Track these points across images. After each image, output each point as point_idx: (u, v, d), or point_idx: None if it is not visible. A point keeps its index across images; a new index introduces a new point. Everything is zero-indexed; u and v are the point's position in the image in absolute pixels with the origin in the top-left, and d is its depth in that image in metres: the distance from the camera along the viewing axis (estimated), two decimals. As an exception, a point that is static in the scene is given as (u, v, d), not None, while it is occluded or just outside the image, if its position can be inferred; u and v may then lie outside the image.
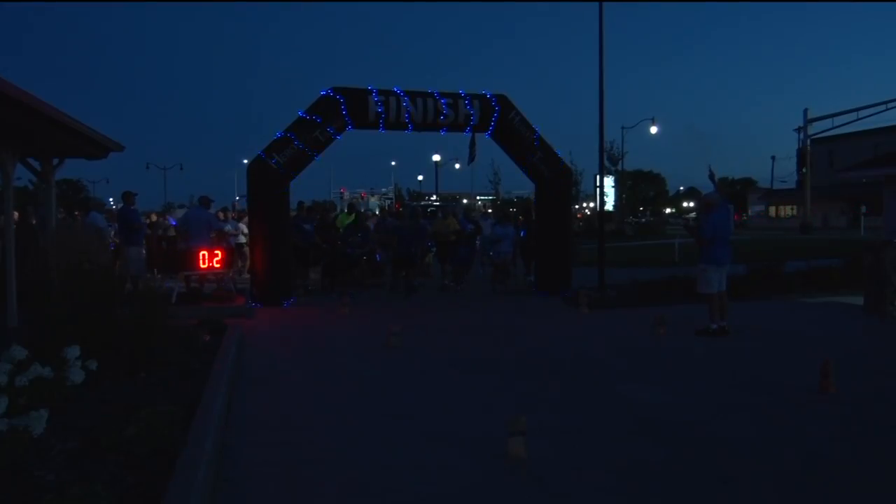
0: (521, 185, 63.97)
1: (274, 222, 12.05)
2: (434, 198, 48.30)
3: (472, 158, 14.85)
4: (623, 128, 44.10)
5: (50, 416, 4.38)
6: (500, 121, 13.26)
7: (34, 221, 11.53)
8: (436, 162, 49.60)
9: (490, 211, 31.60)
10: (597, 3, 13.44)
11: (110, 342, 5.98)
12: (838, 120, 43.88)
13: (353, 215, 16.20)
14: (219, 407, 5.15)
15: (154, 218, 18.54)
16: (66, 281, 6.30)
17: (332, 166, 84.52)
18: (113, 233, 13.97)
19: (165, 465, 3.82)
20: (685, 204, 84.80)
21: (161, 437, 4.16)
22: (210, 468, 4.04)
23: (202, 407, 4.99)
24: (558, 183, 13.84)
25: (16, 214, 10.29)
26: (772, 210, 63.24)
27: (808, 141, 46.99)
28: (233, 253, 12.88)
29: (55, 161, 9.19)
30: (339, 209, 47.27)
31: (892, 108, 38.53)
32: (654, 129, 42.07)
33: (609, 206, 42.02)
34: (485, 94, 13.26)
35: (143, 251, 12.41)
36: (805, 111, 46.85)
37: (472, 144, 14.56)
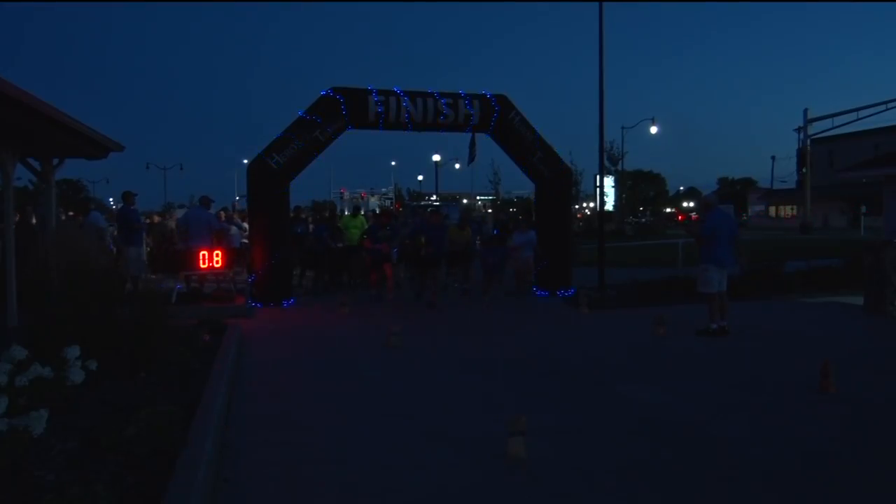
0: (521, 185, 64.00)
1: (274, 222, 12.06)
2: (434, 198, 48.28)
3: (472, 159, 14.85)
4: (623, 128, 44.14)
5: (50, 416, 4.37)
6: (500, 121, 13.26)
7: (34, 221, 11.54)
8: (436, 162, 49.61)
9: (489, 212, 30.86)
10: (597, 3, 13.44)
11: (110, 342, 5.98)
12: (838, 120, 43.87)
13: (359, 216, 16.04)
14: (219, 407, 5.15)
15: (156, 219, 18.54)
16: (67, 281, 6.30)
17: (332, 166, 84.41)
18: (114, 232, 13.98)
19: (165, 465, 3.82)
20: (685, 204, 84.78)
21: (161, 437, 4.16)
22: (210, 468, 4.04)
23: (202, 407, 5.00)
24: (558, 183, 13.84)
25: (16, 214, 10.30)
26: (772, 210, 63.25)
27: (808, 141, 46.98)
28: (235, 253, 12.86)
29: (55, 161, 9.18)
30: (338, 209, 47.27)
31: (892, 108, 38.51)
32: (654, 129, 42.09)
33: (609, 206, 42.01)
34: (485, 94, 13.26)
35: (143, 251, 12.44)
36: (805, 111, 46.83)
37: (472, 144, 14.55)
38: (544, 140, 13.72)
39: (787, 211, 59.98)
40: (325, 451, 4.73)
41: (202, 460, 3.93)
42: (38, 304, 6.29)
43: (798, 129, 47.48)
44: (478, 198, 71.96)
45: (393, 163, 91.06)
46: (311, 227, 15.14)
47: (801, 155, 47.50)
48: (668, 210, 69.15)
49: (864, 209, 41.37)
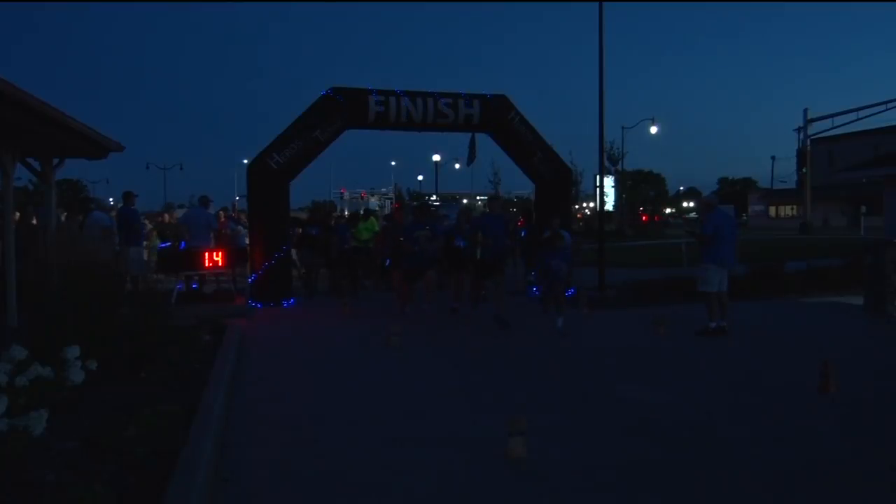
0: (521, 185, 64.04)
1: (274, 222, 12.06)
2: (434, 198, 48.28)
3: (472, 159, 14.85)
4: (623, 128, 44.13)
5: (50, 416, 4.38)
6: (500, 121, 13.26)
7: (35, 221, 11.54)
8: (436, 162, 49.63)
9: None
10: (597, 3, 13.44)
11: (110, 342, 5.99)
12: (838, 120, 43.87)
13: (371, 219, 15.55)
14: (219, 407, 5.16)
15: (167, 219, 18.50)
16: (67, 281, 6.30)
17: (332, 166, 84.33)
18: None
19: (165, 465, 3.82)
20: (685, 204, 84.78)
21: (161, 437, 4.16)
22: (210, 468, 4.05)
23: (202, 407, 5.00)
24: (558, 183, 13.85)
25: (16, 214, 10.29)
26: (772, 210, 63.27)
27: (808, 141, 46.97)
28: (241, 253, 12.86)
29: (55, 161, 9.18)
30: (338, 209, 47.20)
31: (892, 108, 38.52)
32: (654, 129, 42.12)
33: (609, 206, 41.99)
34: (485, 95, 13.26)
35: (143, 251, 12.44)
36: (805, 111, 46.82)
37: (473, 145, 14.56)
38: (544, 140, 13.72)
39: (787, 211, 59.98)
40: (325, 451, 4.73)
41: (202, 460, 3.93)
42: (38, 304, 6.30)
43: (798, 129, 47.48)
44: (478, 198, 71.98)
45: (393, 163, 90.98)
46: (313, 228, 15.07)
47: (801, 155, 47.49)
48: (668, 210, 69.10)
49: (864, 209, 41.37)
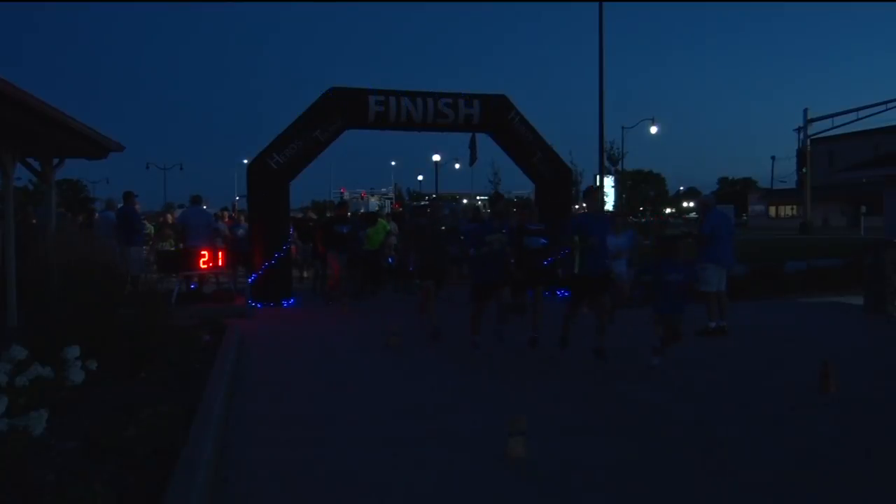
0: (521, 186, 63.98)
1: (274, 222, 12.06)
2: (434, 197, 48.27)
3: (473, 159, 14.85)
4: (623, 128, 44.08)
5: (50, 416, 4.38)
6: (500, 121, 13.26)
7: (34, 221, 11.54)
8: (436, 162, 49.63)
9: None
10: (597, 3, 13.45)
11: (110, 342, 5.99)
12: (838, 120, 43.92)
13: (380, 222, 14.63)
14: (219, 407, 5.16)
15: (171, 219, 18.49)
16: (67, 281, 6.30)
17: (332, 166, 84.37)
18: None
19: (165, 465, 3.82)
20: (685, 204, 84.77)
21: (161, 437, 4.16)
22: (210, 468, 4.05)
23: (202, 407, 5.00)
24: (558, 183, 13.84)
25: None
26: (772, 210, 63.29)
27: (808, 141, 46.99)
28: (241, 256, 12.85)
29: (55, 161, 9.18)
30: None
31: (892, 108, 38.55)
32: (654, 129, 42.10)
33: (609, 206, 41.98)
34: (484, 95, 13.26)
35: (143, 251, 12.44)
36: (805, 111, 46.86)
37: (473, 145, 14.56)
38: (544, 140, 13.72)
39: (787, 211, 60.00)
40: (324, 450, 4.73)
41: (202, 460, 3.93)
42: (38, 303, 6.30)
43: (798, 129, 47.51)
44: (478, 198, 71.98)
45: (393, 163, 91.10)
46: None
47: (801, 155, 47.52)
48: (668, 210, 69.09)
49: (864, 209, 41.38)
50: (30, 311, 6.64)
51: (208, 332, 8.17)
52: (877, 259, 10.71)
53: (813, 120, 46.23)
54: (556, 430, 5.16)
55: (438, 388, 6.50)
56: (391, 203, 64.64)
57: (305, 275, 16.05)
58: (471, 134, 14.07)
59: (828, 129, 45.68)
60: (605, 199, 28.73)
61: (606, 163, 36.37)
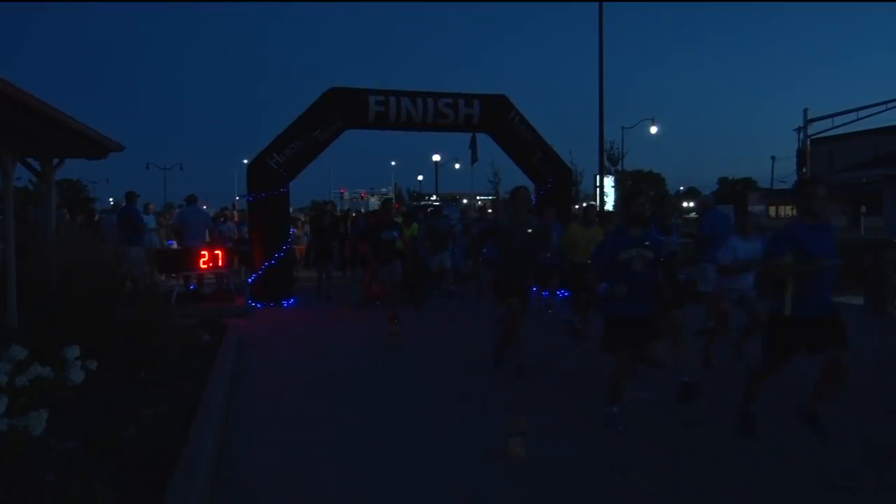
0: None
1: (274, 222, 12.06)
2: (434, 198, 48.28)
3: (474, 159, 14.86)
4: (623, 128, 44.11)
5: (50, 416, 4.38)
6: (500, 121, 13.27)
7: (33, 221, 11.54)
8: (436, 162, 49.65)
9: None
10: (597, 3, 13.45)
11: (110, 342, 5.99)
12: (838, 120, 43.74)
13: (414, 226, 13.26)
14: (219, 407, 5.16)
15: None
16: (67, 281, 6.30)
17: (332, 166, 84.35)
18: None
19: (165, 465, 3.82)
20: (685, 204, 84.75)
21: (161, 437, 4.17)
22: (210, 468, 4.05)
23: (202, 407, 5.00)
24: (558, 183, 13.84)
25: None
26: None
27: (808, 141, 46.92)
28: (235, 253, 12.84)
29: (55, 161, 9.18)
30: (338, 209, 47.01)
31: (892, 108, 38.40)
32: (654, 129, 42.12)
33: (609, 206, 42.00)
34: (484, 95, 13.27)
35: (144, 251, 12.44)
36: (805, 111, 46.59)
37: (474, 145, 14.56)
38: (544, 140, 13.73)
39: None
40: (324, 450, 4.74)
41: (202, 460, 3.93)
42: (38, 303, 6.30)
43: (798, 129, 47.36)
44: (478, 198, 71.99)
45: (393, 163, 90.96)
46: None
47: (801, 155, 47.42)
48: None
49: (864, 209, 41.39)
50: (30, 311, 6.63)
51: (208, 332, 8.17)
52: (877, 259, 10.71)
53: (813, 120, 46.11)
54: (557, 429, 5.16)
55: (439, 388, 6.49)
56: (391, 203, 64.56)
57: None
58: (471, 134, 14.06)
59: (828, 129, 45.50)
60: (606, 199, 28.75)
61: (606, 163, 36.40)
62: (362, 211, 29.10)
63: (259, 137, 38.26)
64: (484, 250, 10.11)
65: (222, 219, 16.00)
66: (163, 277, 11.75)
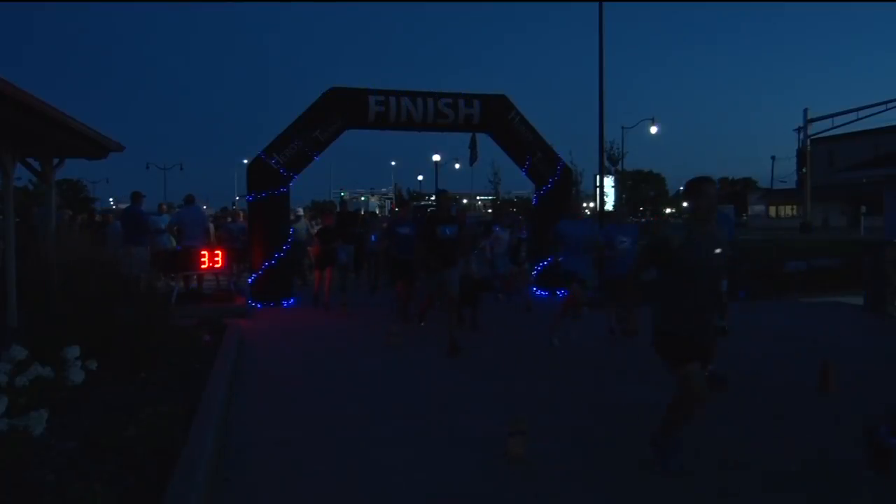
0: (521, 185, 64.03)
1: (274, 222, 12.06)
2: (434, 198, 48.30)
3: (473, 159, 14.86)
4: (623, 128, 44.16)
5: (50, 416, 4.38)
6: (500, 121, 13.27)
7: (34, 221, 11.54)
8: (436, 162, 49.63)
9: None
10: (597, 3, 13.45)
11: (111, 342, 5.99)
12: (838, 120, 43.83)
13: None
14: (219, 407, 5.16)
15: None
16: (67, 281, 6.30)
17: (332, 166, 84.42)
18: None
19: (165, 465, 3.82)
20: (685, 204, 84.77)
21: (161, 437, 4.17)
22: (210, 468, 4.05)
23: (202, 407, 5.00)
24: (558, 183, 13.84)
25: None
26: (772, 210, 63.27)
27: (808, 141, 46.96)
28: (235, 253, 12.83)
29: (55, 161, 9.17)
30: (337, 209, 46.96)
31: (892, 108, 38.50)
32: (654, 129, 42.14)
33: (609, 206, 42.01)
34: (484, 95, 13.26)
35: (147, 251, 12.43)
36: (805, 111, 46.79)
37: (473, 145, 14.57)
38: (544, 140, 13.72)
39: (787, 211, 59.99)
40: (324, 451, 4.74)
41: (202, 460, 3.93)
42: (38, 303, 6.30)
43: (798, 129, 47.45)
44: (478, 198, 71.98)
45: (393, 163, 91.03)
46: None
47: (801, 155, 47.47)
48: (668, 211, 69.14)
49: (864, 209, 41.39)
50: (30, 311, 6.63)
51: (208, 332, 8.17)
52: (877, 259, 10.72)
53: (813, 120, 46.17)
54: (557, 429, 5.16)
55: (438, 388, 6.50)
56: (391, 203, 64.66)
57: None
58: (471, 134, 14.06)
59: (828, 129, 45.60)
60: (606, 199, 28.74)
61: (606, 163, 36.42)
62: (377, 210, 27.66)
63: (259, 137, 38.28)
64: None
65: (230, 218, 16.02)
66: (161, 278, 11.73)
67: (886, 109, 38.97)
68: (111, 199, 71.29)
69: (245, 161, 36.44)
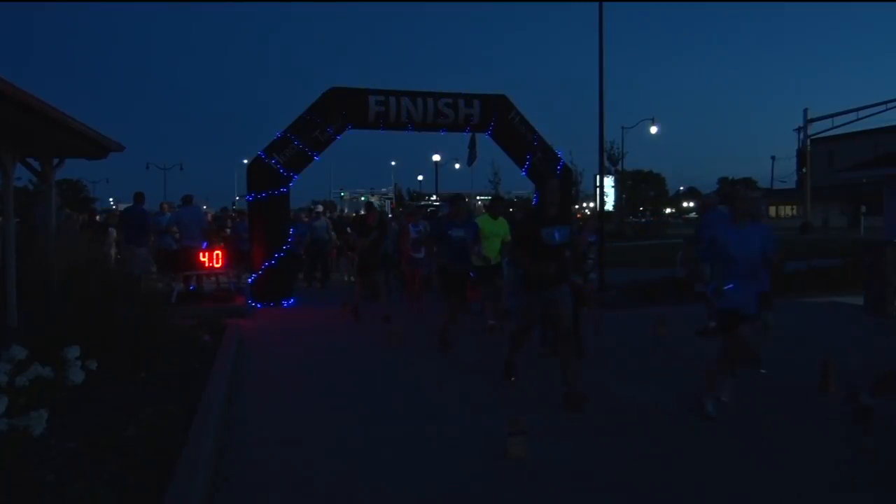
0: (521, 185, 64.06)
1: (274, 222, 12.07)
2: (434, 198, 48.28)
3: (472, 159, 14.85)
4: (623, 128, 44.18)
5: (50, 416, 4.38)
6: (500, 121, 13.27)
7: (33, 222, 11.54)
8: (436, 162, 49.70)
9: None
10: (597, 3, 13.44)
11: (110, 342, 5.99)
12: (838, 120, 43.87)
13: (500, 218, 9.42)
14: (219, 407, 5.16)
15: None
16: (67, 281, 6.30)
17: (332, 166, 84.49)
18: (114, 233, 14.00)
19: (165, 465, 3.82)
20: (685, 204, 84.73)
21: (161, 437, 4.17)
22: (210, 468, 4.05)
23: (202, 407, 5.01)
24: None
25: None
26: (772, 210, 63.26)
27: (808, 141, 46.97)
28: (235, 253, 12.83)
29: (55, 161, 9.17)
30: (337, 209, 47.04)
31: (892, 108, 38.53)
32: (654, 129, 42.15)
33: (609, 206, 42.01)
34: (484, 95, 13.28)
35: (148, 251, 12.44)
36: (805, 111, 46.80)
37: (473, 145, 14.56)
38: (544, 140, 13.73)
39: (787, 211, 60.02)
40: (324, 450, 4.74)
41: (202, 460, 3.93)
42: (38, 304, 6.30)
43: (798, 129, 47.47)
44: (478, 198, 72.00)
45: (393, 163, 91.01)
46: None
47: (800, 155, 47.48)
48: (668, 210, 69.13)
49: (864, 209, 41.40)
50: (30, 311, 6.63)
51: (208, 332, 8.17)
52: (877, 259, 10.71)
53: (813, 120, 46.19)
54: (557, 429, 5.16)
55: (438, 388, 6.50)
56: (391, 203, 64.68)
57: (347, 278, 15.28)
58: (470, 134, 14.06)
59: (828, 129, 45.63)
60: (606, 199, 28.73)
61: (606, 163, 36.43)
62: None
63: (259, 137, 38.29)
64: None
65: (238, 218, 16.08)
66: (163, 278, 11.73)
67: (886, 109, 39.00)
68: (111, 199, 71.35)
69: (245, 161, 36.45)
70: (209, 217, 18.90)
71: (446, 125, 13.12)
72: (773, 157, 76.95)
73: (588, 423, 5.35)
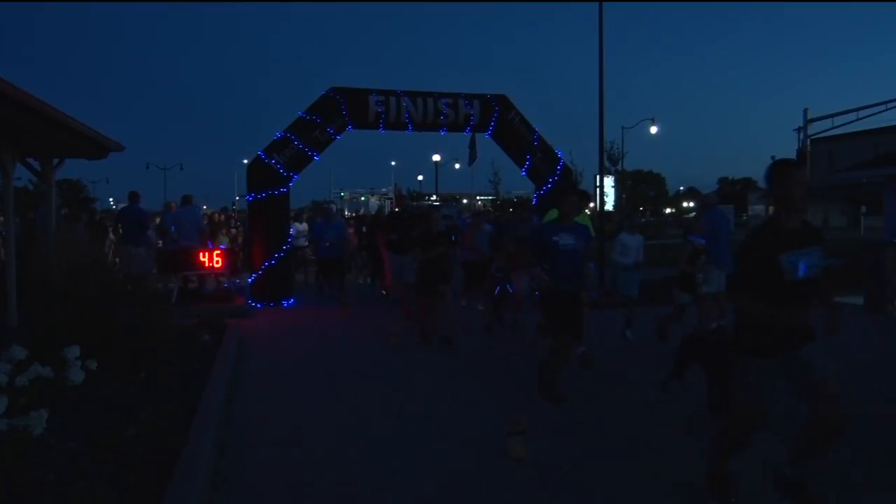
0: (521, 185, 64.01)
1: (274, 222, 12.07)
2: (434, 198, 48.29)
3: (472, 159, 14.84)
4: (623, 128, 44.18)
5: (50, 416, 4.38)
6: (500, 121, 13.27)
7: (33, 221, 11.54)
8: (436, 162, 49.68)
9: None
10: (597, 3, 13.44)
11: (110, 342, 5.99)
12: (838, 120, 43.72)
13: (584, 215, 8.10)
14: (219, 407, 5.16)
15: (218, 217, 18.49)
16: (67, 281, 6.30)
17: (332, 166, 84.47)
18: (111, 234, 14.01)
19: (165, 465, 3.82)
20: (685, 204, 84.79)
21: (161, 437, 4.16)
22: (210, 468, 4.05)
23: (202, 407, 5.00)
24: (558, 183, 13.84)
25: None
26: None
27: (808, 141, 46.90)
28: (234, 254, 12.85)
29: (55, 161, 9.18)
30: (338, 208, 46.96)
31: (892, 108, 38.40)
32: (654, 129, 42.13)
33: (609, 206, 42.00)
34: (484, 95, 13.28)
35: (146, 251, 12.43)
36: (805, 111, 46.59)
37: (473, 145, 14.55)
38: (544, 140, 13.73)
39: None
40: (324, 451, 4.74)
41: (202, 460, 3.93)
42: (38, 304, 6.30)
43: (798, 129, 47.37)
44: (478, 198, 72.00)
45: (393, 163, 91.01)
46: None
47: (801, 155, 47.41)
48: (668, 210, 69.14)
49: (864, 209, 41.40)
50: (30, 311, 6.63)
51: (208, 332, 8.17)
52: (877, 259, 10.71)
53: (813, 120, 46.08)
54: (557, 429, 5.16)
55: (437, 388, 6.50)
56: (391, 203, 64.68)
57: (362, 280, 15.19)
58: (470, 134, 14.06)
59: (828, 129, 45.47)
60: (606, 199, 28.74)
61: (606, 163, 36.41)
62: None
63: (259, 137, 38.27)
64: None
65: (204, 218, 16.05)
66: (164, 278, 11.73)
67: (886, 109, 38.89)
68: (111, 199, 71.39)
69: (245, 161, 36.44)
70: (216, 216, 18.92)
71: (446, 125, 13.12)
72: (773, 157, 76.60)
73: (589, 423, 5.35)
